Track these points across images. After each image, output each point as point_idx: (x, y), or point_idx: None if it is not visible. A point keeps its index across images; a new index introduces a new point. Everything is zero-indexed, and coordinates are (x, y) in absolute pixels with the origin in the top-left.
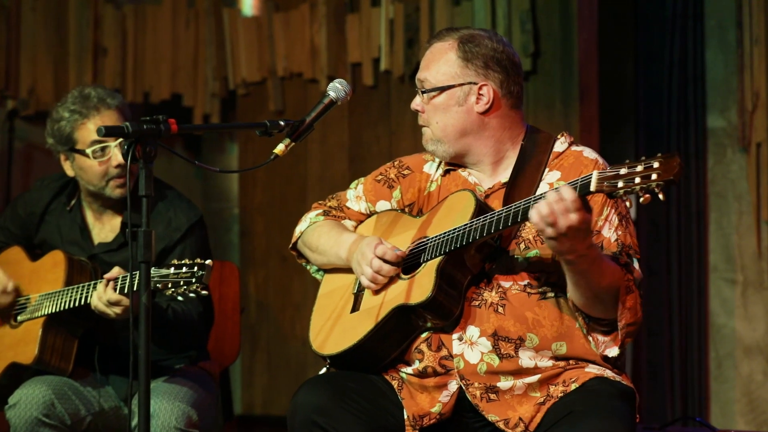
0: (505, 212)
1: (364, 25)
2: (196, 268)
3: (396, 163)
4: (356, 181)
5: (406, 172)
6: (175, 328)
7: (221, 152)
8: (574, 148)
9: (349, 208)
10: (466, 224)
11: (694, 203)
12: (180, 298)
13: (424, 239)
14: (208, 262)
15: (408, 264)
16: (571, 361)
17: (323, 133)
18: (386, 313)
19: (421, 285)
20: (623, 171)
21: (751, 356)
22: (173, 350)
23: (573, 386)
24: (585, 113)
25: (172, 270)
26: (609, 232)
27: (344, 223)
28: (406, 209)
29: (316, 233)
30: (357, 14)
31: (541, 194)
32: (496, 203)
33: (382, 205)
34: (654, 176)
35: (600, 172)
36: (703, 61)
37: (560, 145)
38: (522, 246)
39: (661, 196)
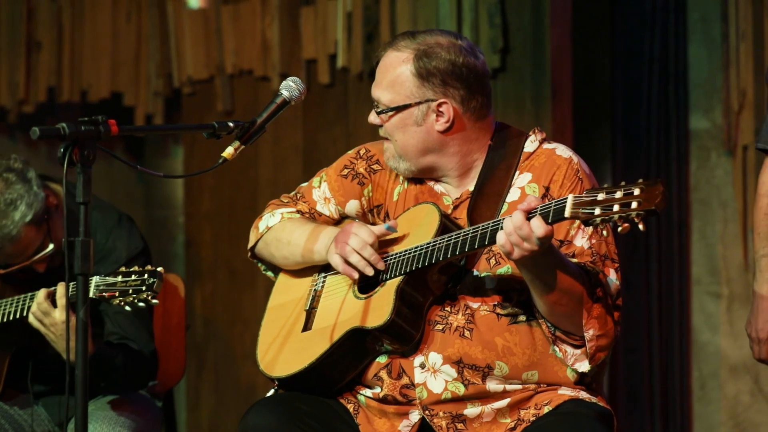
0: (471, 233)
1: (319, 18)
2: (146, 276)
3: (363, 152)
4: (318, 178)
5: (376, 167)
6: (125, 377)
7: (165, 156)
8: (546, 146)
9: (320, 214)
10: (429, 243)
11: (675, 211)
12: (128, 308)
13: (384, 255)
14: (159, 269)
15: (365, 283)
16: (542, 385)
17: (275, 135)
18: (340, 335)
19: (379, 307)
20: (601, 196)
21: (738, 376)
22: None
23: (546, 409)
24: (557, 114)
25: (119, 278)
26: (582, 240)
27: None
28: (373, 213)
29: (289, 226)
30: (312, 7)
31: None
32: (464, 214)
33: (352, 207)
34: (634, 204)
35: (576, 197)
36: (686, 57)
37: (531, 144)
38: (492, 261)
39: (641, 227)
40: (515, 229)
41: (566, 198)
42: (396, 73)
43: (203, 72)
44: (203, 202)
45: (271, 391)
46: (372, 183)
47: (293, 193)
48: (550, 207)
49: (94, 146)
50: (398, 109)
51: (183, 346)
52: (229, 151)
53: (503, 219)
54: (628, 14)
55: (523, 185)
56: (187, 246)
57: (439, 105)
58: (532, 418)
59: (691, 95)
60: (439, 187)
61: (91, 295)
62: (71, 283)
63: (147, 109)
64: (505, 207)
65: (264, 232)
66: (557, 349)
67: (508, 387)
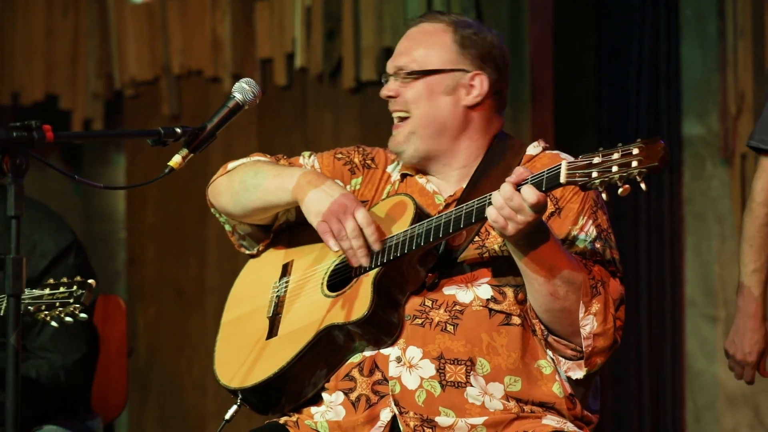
0: (455, 213)
1: (276, 13)
2: (75, 287)
3: (360, 149)
4: (306, 153)
5: (370, 163)
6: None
7: (105, 165)
8: (548, 151)
9: None
10: (407, 230)
11: (667, 225)
12: (54, 323)
13: None
14: (90, 281)
15: (334, 281)
16: (525, 407)
17: (227, 141)
18: (313, 335)
19: (355, 301)
20: (597, 159)
21: (736, 407)
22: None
23: None
24: (537, 118)
25: (46, 291)
26: (584, 243)
27: None
28: None
29: (255, 166)
30: (267, 1)
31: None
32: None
33: None
34: (635, 163)
35: (570, 162)
36: (678, 57)
37: (533, 149)
38: (485, 255)
39: (642, 186)
40: (505, 200)
41: (559, 164)
42: (433, 39)
43: (147, 72)
44: (147, 216)
45: (234, 408)
46: (363, 176)
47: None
48: (543, 175)
49: (27, 154)
50: (430, 72)
51: (125, 375)
52: (176, 160)
53: (490, 195)
54: (614, 9)
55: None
56: (129, 264)
57: (472, 77)
58: None
59: (684, 98)
60: (431, 186)
61: None
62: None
63: (85, 113)
64: None
65: (226, 171)
66: (549, 353)
67: (488, 404)
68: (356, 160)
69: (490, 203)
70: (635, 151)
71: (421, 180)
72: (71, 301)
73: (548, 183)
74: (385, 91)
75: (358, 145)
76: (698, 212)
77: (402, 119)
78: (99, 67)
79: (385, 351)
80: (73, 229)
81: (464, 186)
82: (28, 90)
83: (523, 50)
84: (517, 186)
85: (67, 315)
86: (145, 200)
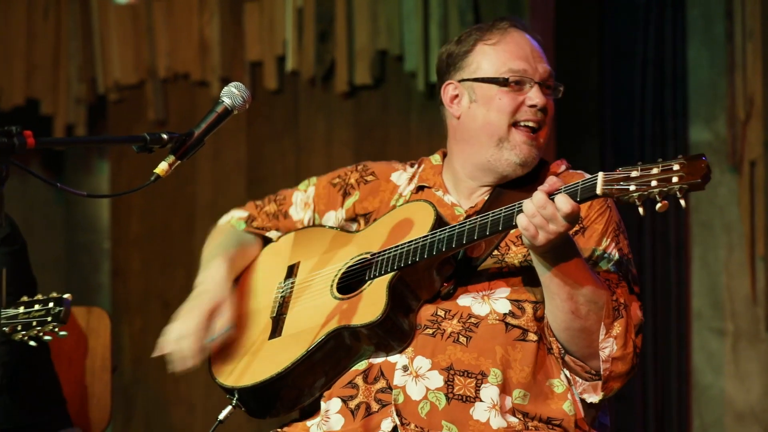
0: (481, 220)
1: (266, 14)
2: (51, 304)
3: (360, 167)
4: (308, 181)
5: (369, 178)
6: None
7: (88, 172)
8: (572, 171)
9: (288, 217)
10: (426, 236)
11: (673, 235)
12: (32, 342)
13: (368, 255)
14: (66, 295)
15: (344, 283)
16: (530, 423)
17: (216, 148)
18: (323, 336)
19: (369, 304)
20: (635, 173)
21: (744, 424)
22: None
23: None
24: None
25: (21, 309)
26: (607, 264)
27: (269, 235)
28: (358, 220)
29: (215, 238)
30: (257, 2)
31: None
32: None
33: (330, 218)
34: (675, 179)
35: (607, 174)
36: (685, 59)
37: (556, 166)
38: (505, 269)
39: (682, 203)
40: (538, 208)
41: (595, 176)
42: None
43: (132, 76)
44: (132, 226)
45: (228, 409)
46: (361, 192)
47: (274, 194)
48: (578, 185)
49: (7, 161)
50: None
51: (109, 390)
52: (162, 167)
53: (521, 202)
54: (618, 10)
55: None
56: (114, 275)
57: None
58: None
59: (691, 103)
60: (449, 198)
61: None
62: None
63: (67, 118)
64: None
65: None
66: (567, 372)
67: (493, 421)
68: (352, 181)
69: (520, 211)
70: (676, 167)
71: (437, 193)
72: (49, 319)
73: (583, 193)
74: (543, 102)
75: (364, 162)
76: (705, 221)
77: (536, 131)
78: (82, 71)
79: (392, 359)
80: (9, 218)
81: (486, 198)
82: (7, 94)
83: None
84: (550, 195)
85: (45, 334)
86: (130, 209)
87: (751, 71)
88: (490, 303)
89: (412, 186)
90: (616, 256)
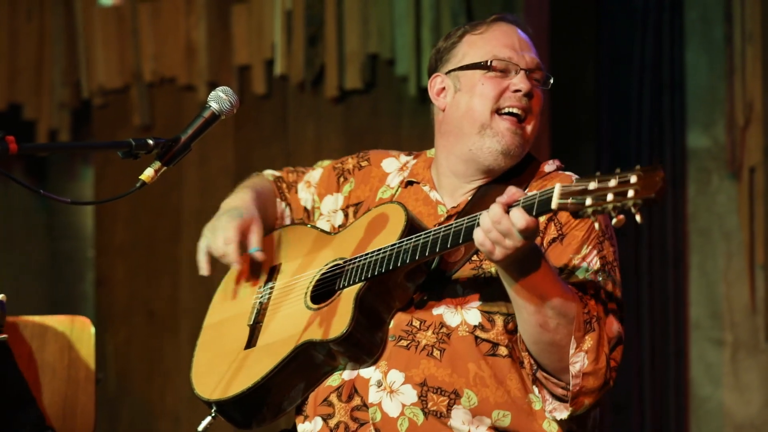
0: (444, 231)
1: (254, 17)
2: None
3: (361, 153)
4: (321, 162)
5: (364, 164)
6: None
7: (72, 178)
8: (562, 172)
9: (295, 193)
10: (394, 245)
11: (670, 243)
12: None
13: (341, 262)
14: (1, 296)
15: (318, 292)
16: None
17: (202, 154)
18: (290, 350)
19: (336, 317)
20: (593, 185)
21: None
22: None
23: None
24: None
25: None
26: (585, 273)
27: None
28: (348, 211)
29: (246, 183)
30: (245, 4)
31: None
32: None
33: (327, 204)
34: (631, 193)
35: (564, 186)
36: (683, 63)
37: (548, 166)
38: (480, 276)
39: (638, 218)
40: (493, 224)
41: (552, 188)
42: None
43: (117, 80)
44: (117, 233)
45: (207, 419)
46: (355, 178)
47: (296, 167)
48: (534, 198)
49: None
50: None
51: (92, 402)
52: (148, 174)
53: (480, 214)
54: (615, 12)
55: None
56: (98, 284)
57: None
58: None
59: (689, 108)
60: (435, 195)
61: None
62: None
63: (51, 123)
64: None
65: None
66: (536, 389)
67: (474, 431)
68: (349, 166)
69: (478, 224)
70: (633, 179)
71: (424, 188)
72: None
73: (539, 207)
74: (527, 87)
75: (366, 150)
76: (704, 229)
77: (522, 120)
78: (65, 75)
79: (365, 373)
80: None
81: (469, 198)
82: None
83: None
84: (508, 207)
85: None
86: (115, 216)
87: (750, 75)
88: (462, 313)
89: (402, 177)
90: (597, 265)
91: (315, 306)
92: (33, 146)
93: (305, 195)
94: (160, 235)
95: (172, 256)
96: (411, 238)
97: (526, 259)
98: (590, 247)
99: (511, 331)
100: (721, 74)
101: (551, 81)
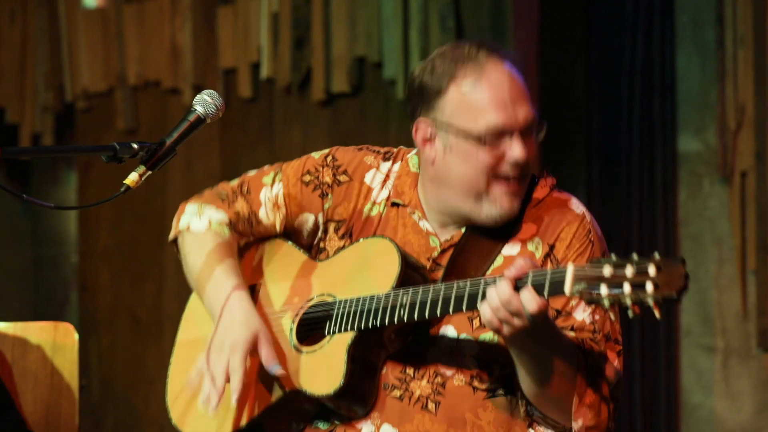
0: (444, 293)
1: (240, 20)
2: None
3: (329, 159)
4: (273, 173)
5: (342, 178)
6: None
7: (55, 183)
8: (556, 194)
9: (260, 222)
10: (389, 295)
11: (661, 248)
12: None
13: (330, 299)
14: None
15: (305, 325)
16: None
17: (188, 158)
18: (278, 396)
19: (327, 368)
20: (608, 271)
21: None
22: None
23: None
24: None
25: None
26: (583, 313)
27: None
28: (328, 228)
29: (203, 249)
30: (231, 6)
31: (495, 279)
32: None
33: (305, 221)
34: (650, 288)
35: (577, 269)
36: (674, 67)
37: (540, 189)
38: (475, 324)
39: (657, 314)
40: (503, 303)
41: (565, 270)
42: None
43: (101, 83)
44: (100, 239)
45: None
46: (334, 195)
47: (236, 182)
48: (545, 277)
49: None
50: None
51: (76, 410)
52: (132, 178)
53: (484, 281)
54: (605, 15)
55: (525, 238)
56: (82, 290)
57: None
58: None
59: (680, 112)
60: (425, 224)
61: None
62: None
63: (34, 127)
64: (499, 260)
65: (183, 230)
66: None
67: None
68: (327, 179)
69: (484, 295)
70: (651, 270)
71: (414, 215)
72: None
73: (551, 289)
74: (524, 156)
75: (329, 152)
76: (695, 234)
77: (520, 180)
78: (49, 78)
79: (357, 425)
80: None
81: (463, 231)
82: None
83: None
84: (517, 283)
85: None
86: (99, 221)
87: (742, 79)
88: (457, 360)
89: (387, 191)
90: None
91: (303, 348)
92: (16, 150)
93: (276, 218)
94: (145, 240)
95: (156, 261)
96: (408, 291)
97: (534, 331)
98: None
99: (508, 375)
100: (713, 78)
101: (545, 127)
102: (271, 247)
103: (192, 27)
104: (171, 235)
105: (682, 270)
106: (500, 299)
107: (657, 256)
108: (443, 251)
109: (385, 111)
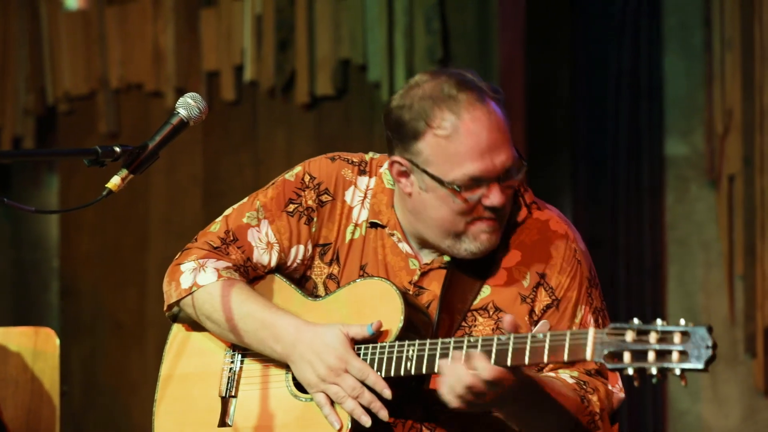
0: (455, 347)
1: (223, 22)
2: None
3: (307, 179)
4: (254, 212)
5: (325, 198)
6: None
7: (37, 186)
8: (536, 213)
9: (260, 265)
10: (393, 345)
11: (648, 253)
12: None
13: None
14: None
15: None
16: None
17: (170, 162)
18: None
19: (329, 421)
20: (630, 337)
21: None
22: None
23: None
24: None
25: None
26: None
27: None
28: (314, 253)
29: (229, 294)
30: (214, 8)
31: (525, 337)
32: (434, 285)
33: (295, 253)
34: (675, 356)
35: (598, 334)
36: (661, 70)
37: (519, 212)
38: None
39: (683, 383)
40: (483, 382)
41: (585, 333)
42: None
43: (83, 86)
44: (82, 243)
45: None
46: (318, 217)
47: (218, 229)
48: (565, 338)
49: None
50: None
51: (57, 416)
52: (114, 182)
53: (500, 342)
54: (591, 18)
55: (510, 266)
56: (63, 295)
57: None
58: None
59: (667, 115)
60: (404, 247)
61: None
62: None
63: (15, 130)
64: (486, 291)
65: (191, 290)
66: None
67: None
68: (310, 203)
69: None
70: (676, 338)
71: (393, 237)
72: None
73: (570, 353)
74: (501, 202)
75: (301, 170)
76: (682, 238)
77: (499, 219)
78: (30, 81)
79: None
80: None
81: (446, 259)
82: None
83: (492, 62)
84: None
85: None
86: (80, 226)
87: (729, 82)
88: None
89: (365, 212)
90: (591, 322)
91: (302, 395)
92: None
93: (271, 257)
94: (127, 245)
95: (139, 266)
96: (414, 344)
97: (516, 394)
98: (584, 305)
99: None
100: (700, 81)
101: (525, 167)
102: (264, 284)
103: (175, 29)
104: (173, 299)
105: (710, 342)
106: (485, 380)
107: (683, 322)
108: (423, 274)
109: (370, 114)
